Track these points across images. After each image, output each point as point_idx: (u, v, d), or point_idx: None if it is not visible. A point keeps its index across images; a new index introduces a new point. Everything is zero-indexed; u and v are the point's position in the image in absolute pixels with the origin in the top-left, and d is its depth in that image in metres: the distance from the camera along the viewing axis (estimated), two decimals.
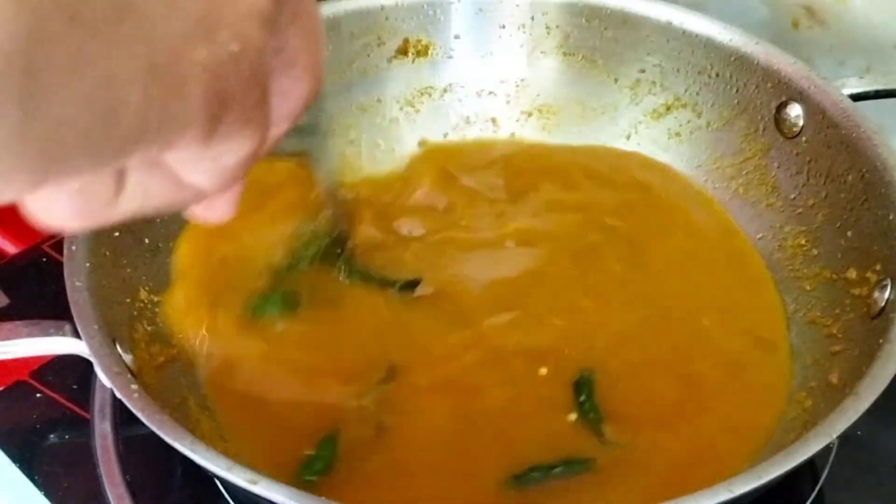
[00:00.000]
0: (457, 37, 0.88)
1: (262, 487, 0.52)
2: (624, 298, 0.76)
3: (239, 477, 0.53)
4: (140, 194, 0.37)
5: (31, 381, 0.76)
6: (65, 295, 0.62)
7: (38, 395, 0.76)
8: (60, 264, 0.64)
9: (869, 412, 0.56)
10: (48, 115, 0.29)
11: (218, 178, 0.38)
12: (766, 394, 0.70)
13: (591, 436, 0.67)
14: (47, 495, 0.70)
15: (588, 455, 0.65)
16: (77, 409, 0.75)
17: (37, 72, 0.28)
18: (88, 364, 0.61)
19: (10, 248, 0.91)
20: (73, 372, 0.76)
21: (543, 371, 0.71)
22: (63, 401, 0.75)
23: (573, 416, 0.68)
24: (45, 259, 0.86)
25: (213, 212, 0.45)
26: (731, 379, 0.71)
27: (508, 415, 0.68)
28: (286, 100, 0.39)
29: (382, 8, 0.86)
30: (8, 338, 0.63)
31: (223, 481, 0.66)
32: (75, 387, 0.76)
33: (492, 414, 0.68)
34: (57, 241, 0.85)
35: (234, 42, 0.33)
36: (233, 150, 0.37)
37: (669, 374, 0.71)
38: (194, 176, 0.37)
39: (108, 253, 0.68)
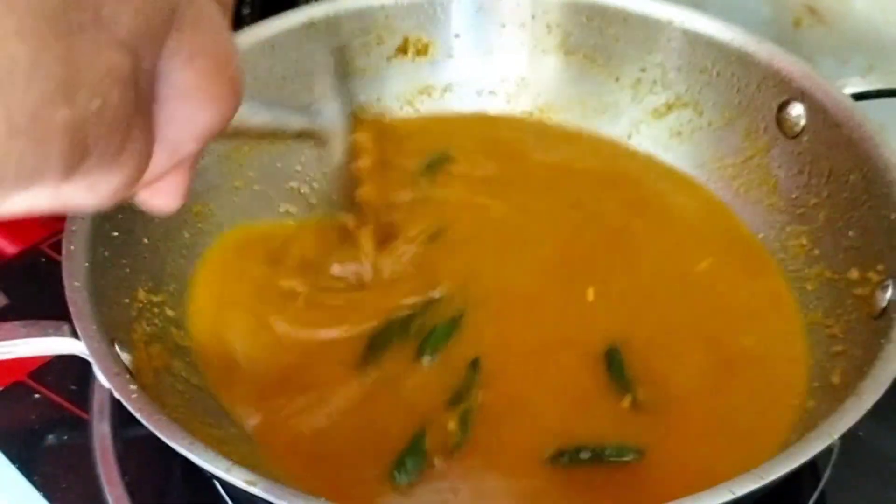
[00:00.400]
0: (457, 35, 0.88)
1: (260, 489, 0.52)
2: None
3: (238, 478, 0.53)
4: (25, 202, 0.38)
5: (30, 382, 0.76)
6: (64, 295, 0.62)
7: (37, 395, 0.76)
8: (59, 265, 0.64)
9: (871, 413, 0.56)
10: None
11: (98, 200, 0.40)
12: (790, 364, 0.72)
13: (638, 419, 0.68)
14: (46, 496, 0.70)
15: (638, 444, 0.66)
16: (76, 410, 0.74)
17: None
18: (87, 365, 0.60)
19: (9, 249, 0.91)
20: (72, 373, 0.76)
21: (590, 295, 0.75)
22: (62, 402, 0.75)
23: (627, 401, 0.69)
24: (43, 259, 0.86)
25: (157, 200, 0.47)
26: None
27: (557, 394, 0.70)
28: (190, 125, 0.42)
29: (382, 7, 0.86)
30: (6, 338, 0.63)
31: (222, 483, 0.66)
32: (74, 388, 0.76)
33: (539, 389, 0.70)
34: (56, 242, 0.85)
35: (93, 101, 0.35)
36: (103, 182, 0.39)
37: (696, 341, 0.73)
38: (73, 196, 0.39)
39: (106, 253, 0.67)
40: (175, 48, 0.39)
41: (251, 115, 0.63)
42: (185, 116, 0.41)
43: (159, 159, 0.41)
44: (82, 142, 0.35)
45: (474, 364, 0.70)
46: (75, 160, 0.36)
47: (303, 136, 0.72)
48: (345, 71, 0.81)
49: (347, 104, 0.76)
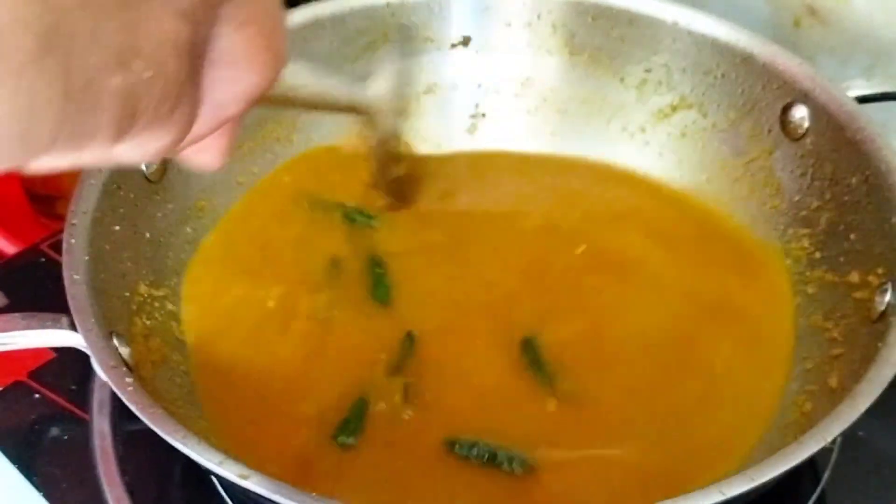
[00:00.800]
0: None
1: (252, 482, 0.52)
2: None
3: (230, 471, 0.53)
4: (73, 159, 0.39)
5: (30, 382, 0.76)
6: (64, 295, 0.62)
7: (37, 395, 0.76)
8: (59, 264, 0.64)
9: (871, 413, 0.56)
10: None
11: (144, 158, 0.41)
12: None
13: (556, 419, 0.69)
14: (46, 496, 0.70)
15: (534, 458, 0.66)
16: (75, 410, 0.75)
17: None
18: (87, 365, 0.61)
19: (9, 249, 0.91)
20: (72, 372, 0.76)
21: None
22: (62, 401, 0.75)
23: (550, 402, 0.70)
24: (43, 259, 0.86)
25: (201, 158, 0.49)
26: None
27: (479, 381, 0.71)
28: (234, 88, 0.43)
29: (388, 5, 0.86)
30: (5, 330, 0.63)
31: (221, 480, 0.66)
32: (74, 387, 0.76)
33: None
34: (55, 242, 0.85)
35: (148, 70, 0.36)
36: (151, 142, 0.40)
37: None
38: (121, 154, 0.40)
39: (107, 247, 0.68)
40: (229, 15, 0.41)
41: (299, 81, 0.63)
42: (230, 80, 0.42)
43: (203, 120, 0.43)
44: (133, 108, 0.37)
45: (409, 337, 0.73)
46: (125, 125, 0.37)
47: (349, 109, 0.72)
48: (406, 50, 0.83)
49: (403, 83, 0.77)
